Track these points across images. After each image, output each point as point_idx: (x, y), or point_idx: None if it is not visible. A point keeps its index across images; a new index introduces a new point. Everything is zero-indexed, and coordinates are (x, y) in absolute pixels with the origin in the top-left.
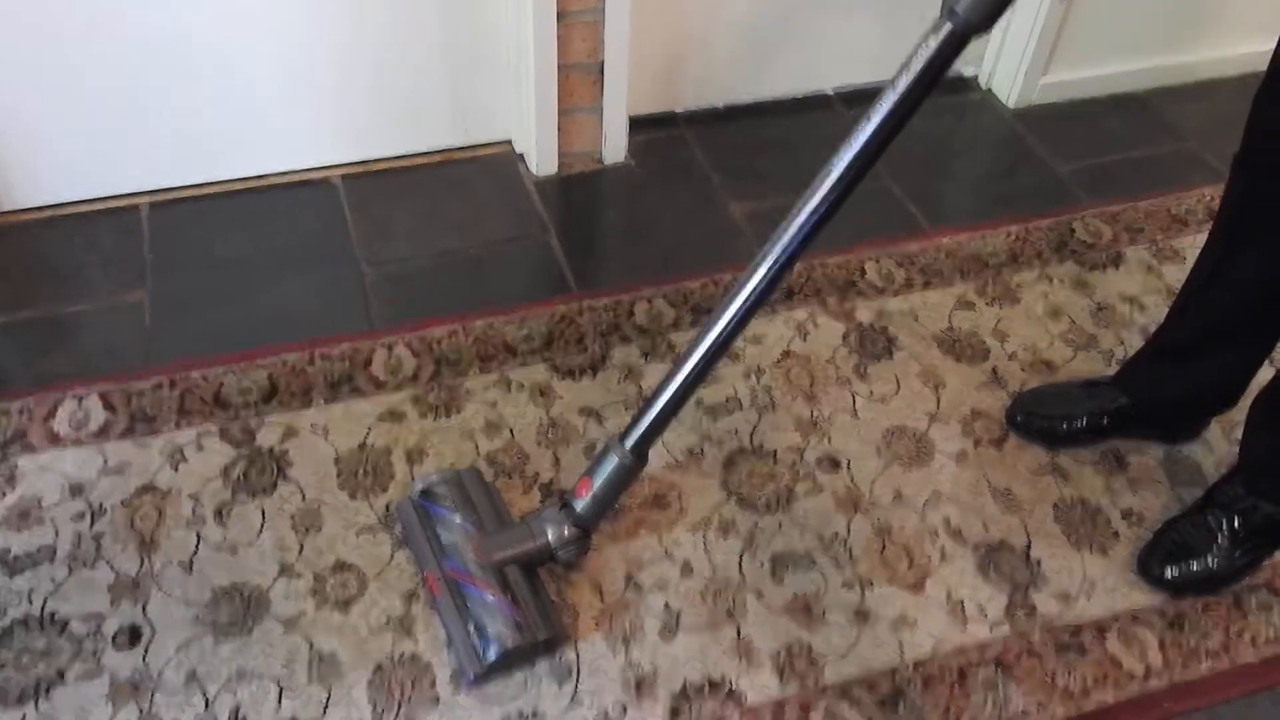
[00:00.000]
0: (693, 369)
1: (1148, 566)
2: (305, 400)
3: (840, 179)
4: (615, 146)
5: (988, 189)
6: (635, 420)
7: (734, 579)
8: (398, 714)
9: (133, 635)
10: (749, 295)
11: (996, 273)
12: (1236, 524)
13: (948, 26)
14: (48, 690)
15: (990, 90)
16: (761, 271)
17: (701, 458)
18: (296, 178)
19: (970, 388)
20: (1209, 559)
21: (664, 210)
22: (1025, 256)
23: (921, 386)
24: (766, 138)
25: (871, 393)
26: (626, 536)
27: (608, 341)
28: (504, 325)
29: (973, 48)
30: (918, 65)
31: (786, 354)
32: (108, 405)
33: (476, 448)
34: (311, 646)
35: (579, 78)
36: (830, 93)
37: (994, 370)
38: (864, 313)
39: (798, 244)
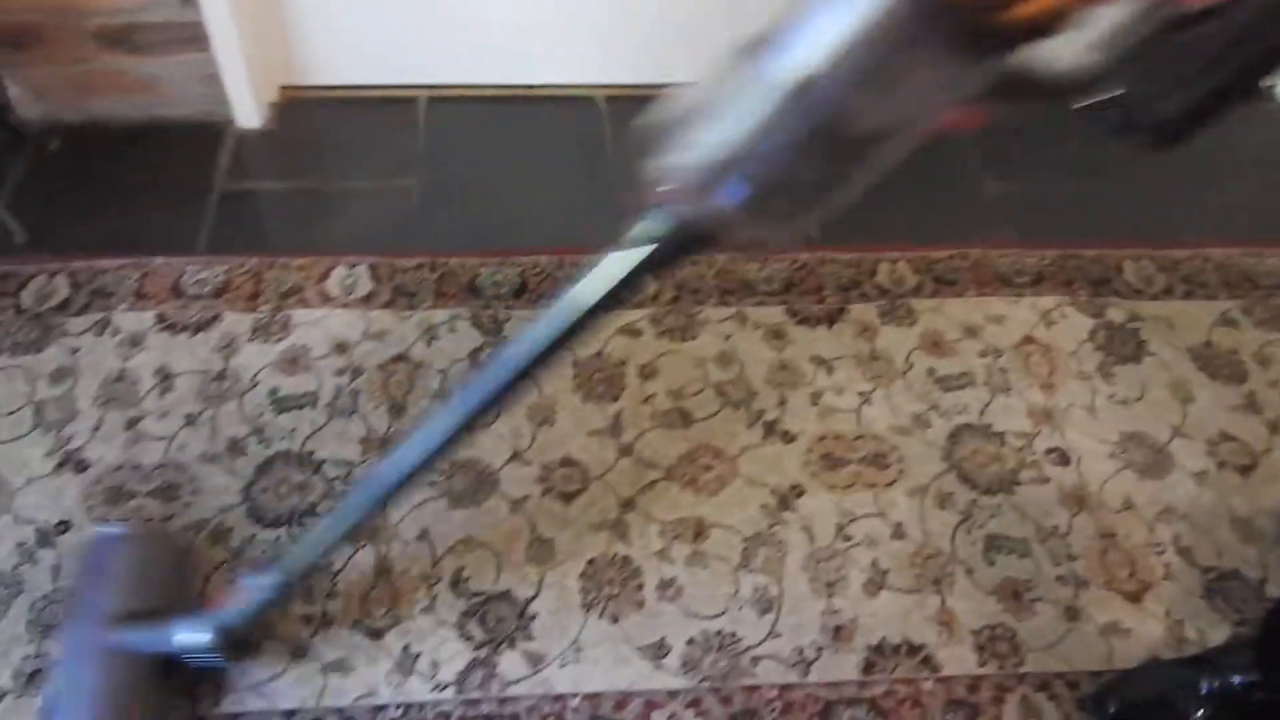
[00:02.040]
0: (364, 504)
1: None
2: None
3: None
4: None
5: (1270, 207)
6: (301, 543)
7: (945, 550)
8: (604, 609)
9: None
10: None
11: (1268, 295)
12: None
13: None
14: (301, 519)
15: None
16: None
17: (928, 426)
18: (563, 92)
19: (1222, 408)
20: None
21: (916, 175)
22: None
23: (1169, 397)
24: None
25: (1113, 394)
26: (843, 488)
27: (846, 296)
28: (745, 263)
29: None
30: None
31: (1028, 339)
32: (374, 276)
33: (706, 375)
34: (533, 529)
35: None
36: None
37: (1251, 394)
38: (1116, 312)
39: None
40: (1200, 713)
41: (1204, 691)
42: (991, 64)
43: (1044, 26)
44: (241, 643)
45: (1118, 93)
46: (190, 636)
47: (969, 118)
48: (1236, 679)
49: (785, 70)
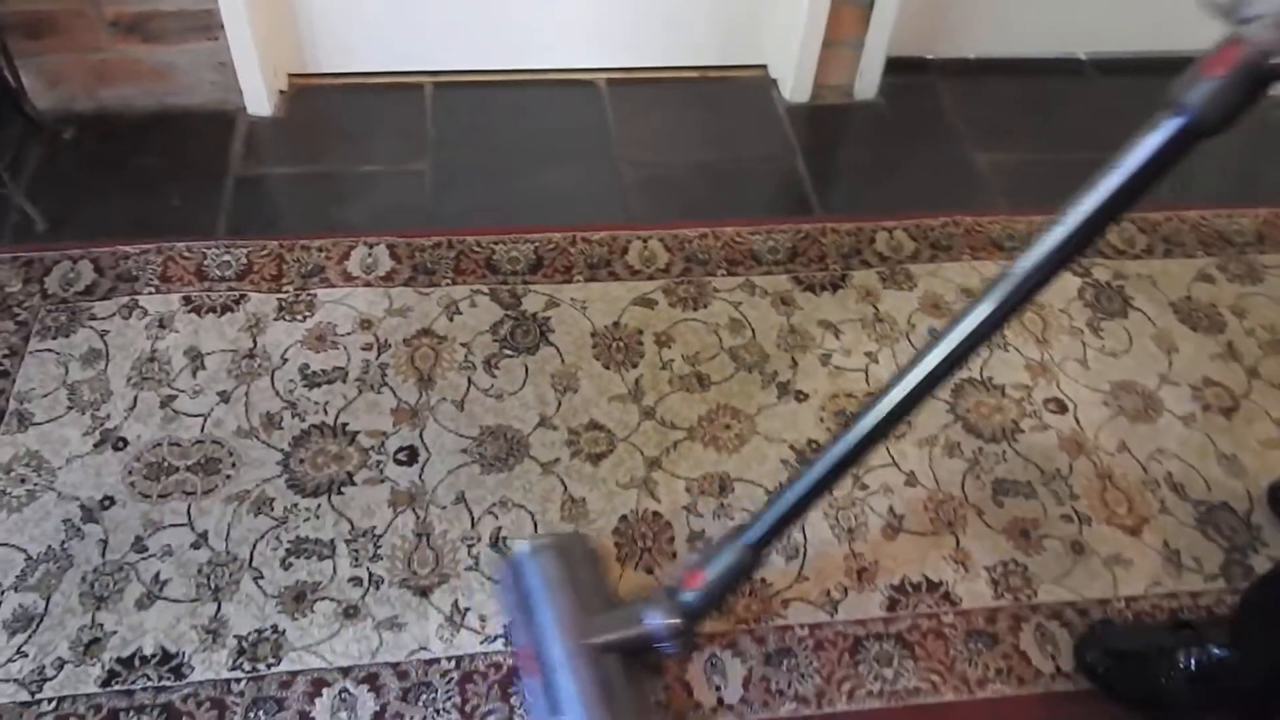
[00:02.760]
0: (826, 473)
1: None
2: (566, 276)
3: (1022, 285)
4: (869, 83)
5: (1241, 172)
6: (758, 517)
7: (956, 495)
8: (639, 560)
9: (411, 454)
10: (899, 401)
11: (1241, 251)
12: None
13: (1178, 122)
14: (340, 488)
15: None
16: (924, 367)
17: None
18: (565, 76)
19: (1204, 356)
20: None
21: (909, 150)
22: (1273, 240)
23: (1154, 348)
24: (1015, 94)
25: (1103, 346)
26: None
27: (848, 263)
28: (751, 235)
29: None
30: (1133, 164)
31: None
32: (394, 255)
33: (720, 341)
34: (565, 489)
35: (850, 12)
36: (1083, 57)
37: (1230, 343)
38: (1101, 271)
39: (969, 346)
40: (1171, 681)
41: (1180, 661)
42: None
43: None
44: (698, 629)
45: None
46: (662, 623)
47: None
48: (1215, 651)
49: None
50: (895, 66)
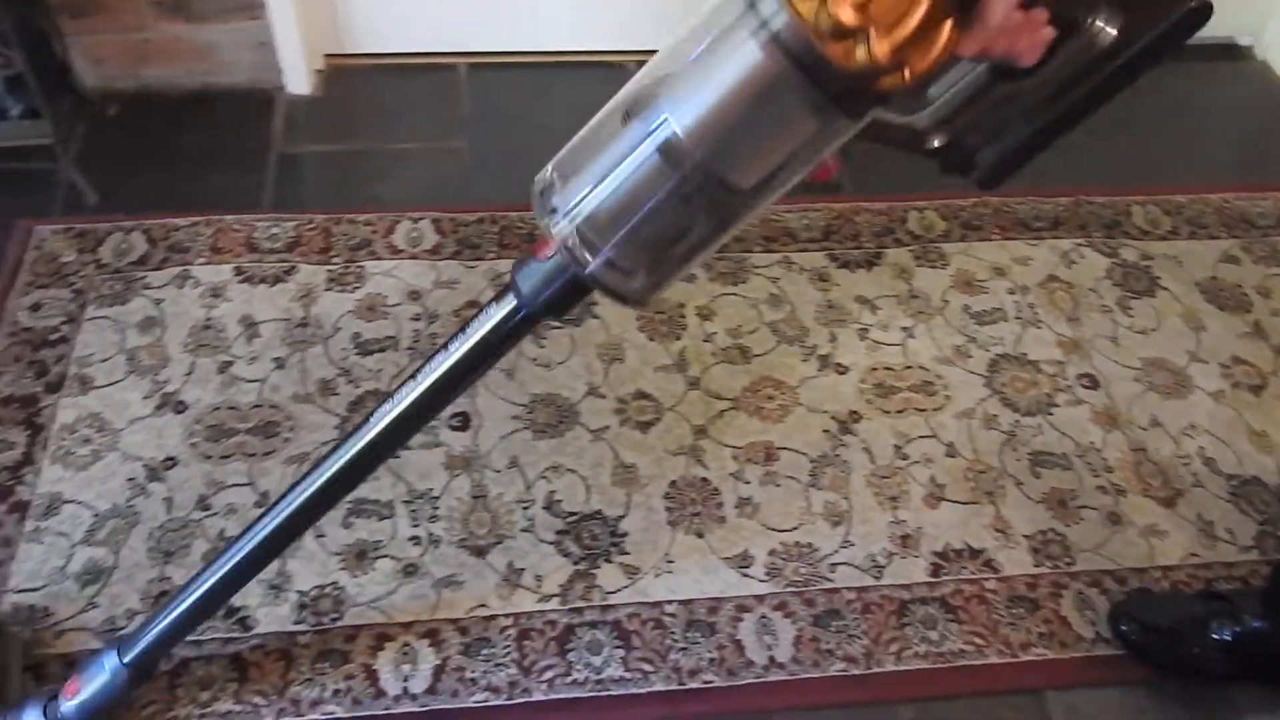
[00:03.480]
0: (212, 588)
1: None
2: None
3: (366, 448)
4: None
5: (1261, 157)
6: (141, 628)
7: (995, 466)
8: (690, 524)
9: (464, 420)
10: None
11: (1264, 234)
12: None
13: (513, 302)
14: (396, 452)
15: (1265, 61)
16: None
17: (968, 356)
18: (596, 58)
19: (1232, 335)
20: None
21: None
22: None
23: (1183, 326)
24: None
25: (1133, 325)
26: (896, 414)
27: (882, 242)
28: (786, 213)
29: (1250, 17)
30: (474, 334)
31: (1051, 278)
32: (438, 230)
33: (760, 315)
34: (615, 455)
35: None
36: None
37: (1256, 322)
38: (1129, 252)
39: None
40: (1205, 651)
41: (1214, 632)
42: (860, 120)
43: (909, 89)
44: None
45: (950, 140)
46: None
47: (827, 168)
48: (1249, 622)
49: (662, 128)
50: None
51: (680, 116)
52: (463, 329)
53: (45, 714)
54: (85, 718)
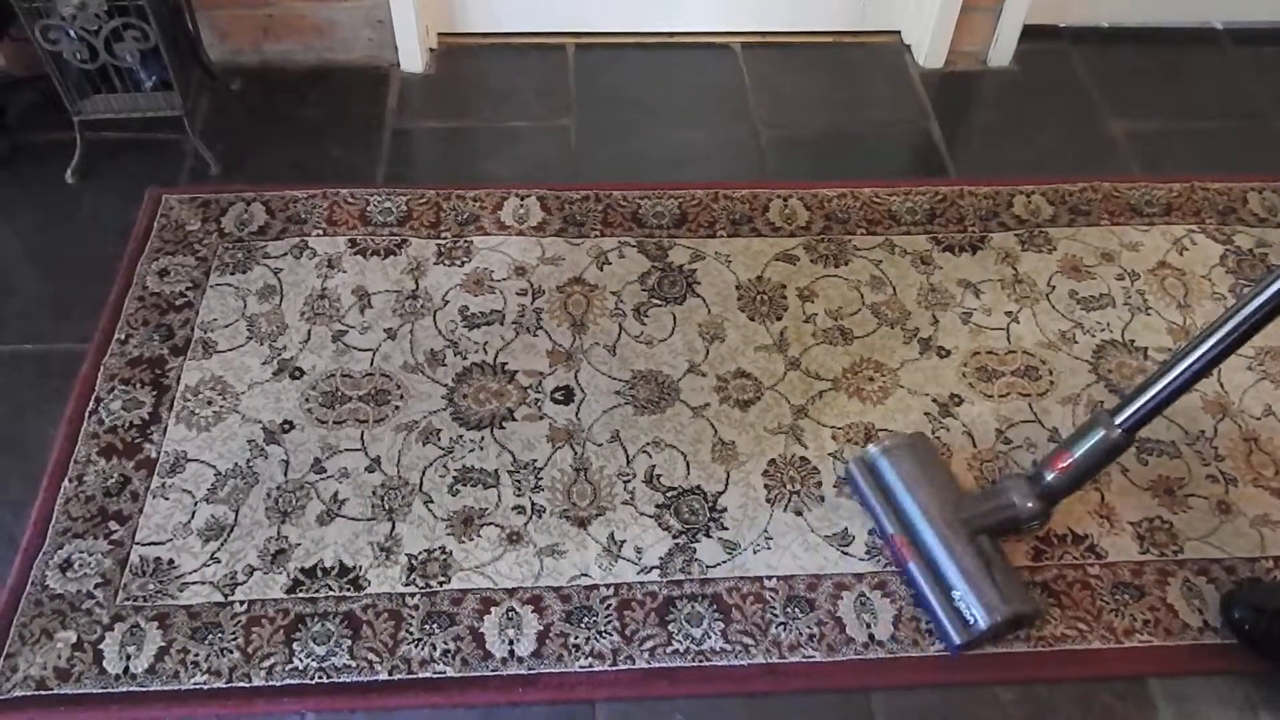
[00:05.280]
0: (1203, 357)
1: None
2: (710, 231)
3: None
4: (1003, 50)
5: None
6: (1130, 398)
7: None
8: (788, 503)
9: (567, 394)
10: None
11: None
12: None
13: None
14: (501, 423)
15: None
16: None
17: (1074, 342)
18: (701, 39)
19: None
20: None
21: (1043, 116)
22: None
23: None
24: (1148, 63)
25: None
26: (999, 397)
27: (986, 225)
28: (889, 196)
29: None
30: None
31: (1162, 264)
32: (544, 207)
33: (861, 297)
34: (715, 432)
35: None
36: (1219, 26)
37: None
38: (1243, 239)
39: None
40: None
41: None
42: None
43: None
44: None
45: None
46: (1028, 504)
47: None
48: None
49: None
50: (1028, 34)
51: None
52: None
53: (1031, 487)
54: (1072, 483)
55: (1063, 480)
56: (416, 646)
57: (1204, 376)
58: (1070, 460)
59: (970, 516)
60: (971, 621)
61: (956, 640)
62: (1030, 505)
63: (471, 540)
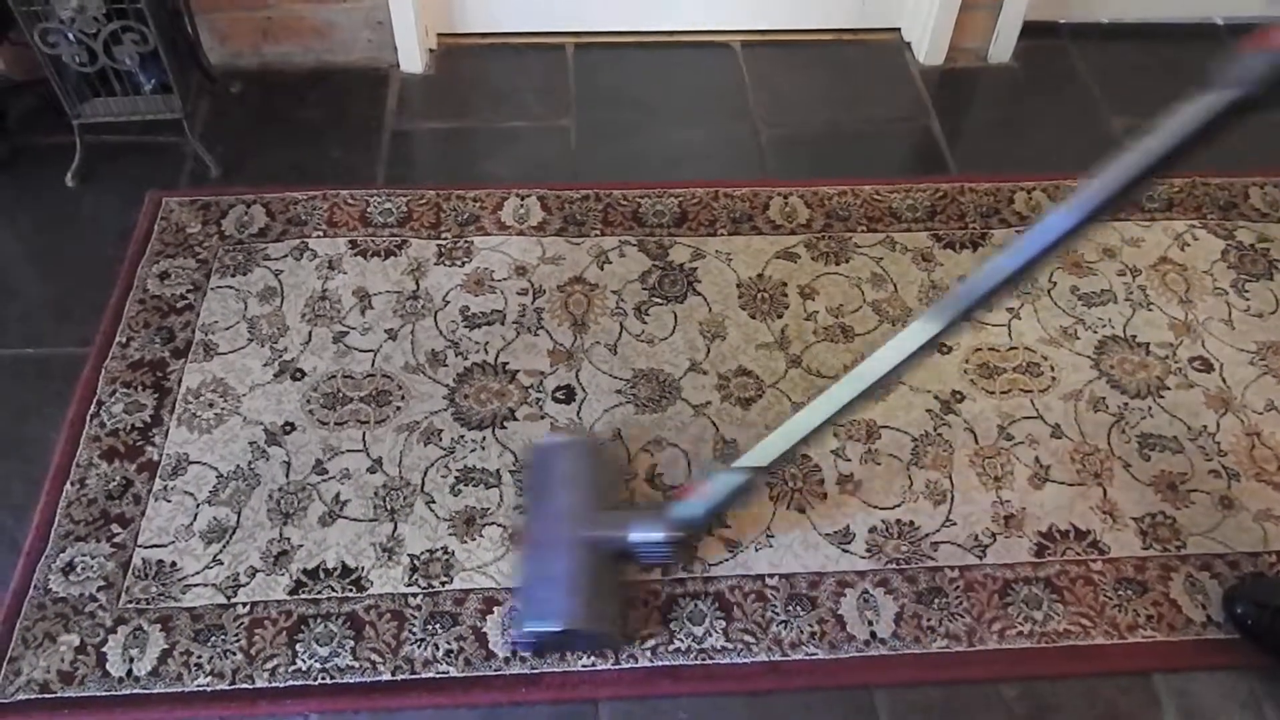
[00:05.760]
0: (837, 407)
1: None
2: (711, 230)
3: (1058, 237)
4: (1003, 47)
5: None
6: (765, 443)
7: (1102, 448)
8: (791, 501)
9: (569, 393)
10: (907, 350)
11: None
12: None
13: (1230, 94)
14: (503, 422)
15: None
16: (924, 331)
17: (1075, 338)
18: (700, 38)
19: None
20: None
21: (1043, 113)
22: None
23: None
24: (1149, 59)
25: (1249, 308)
26: (1000, 394)
27: (988, 222)
28: (889, 193)
29: None
30: (1179, 131)
31: (1164, 259)
32: (545, 207)
33: (863, 295)
34: (716, 430)
35: None
36: (1220, 22)
37: None
38: (1245, 234)
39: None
40: None
41: None
42: None
43: None
44: (691, 540)
45: None
46: (645, 534)
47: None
48: None
49: None
50: (1028, 30)
51: None
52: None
53: (659, 518)
54: (704, 515)
55: (694, 512)
56: (419, 647)
57: (836, 422)
58: (702, 494)
59: (591, 530)
60: (528, 619)
61: (516, 631)
62: (650, 535)
63: (474, 540)
